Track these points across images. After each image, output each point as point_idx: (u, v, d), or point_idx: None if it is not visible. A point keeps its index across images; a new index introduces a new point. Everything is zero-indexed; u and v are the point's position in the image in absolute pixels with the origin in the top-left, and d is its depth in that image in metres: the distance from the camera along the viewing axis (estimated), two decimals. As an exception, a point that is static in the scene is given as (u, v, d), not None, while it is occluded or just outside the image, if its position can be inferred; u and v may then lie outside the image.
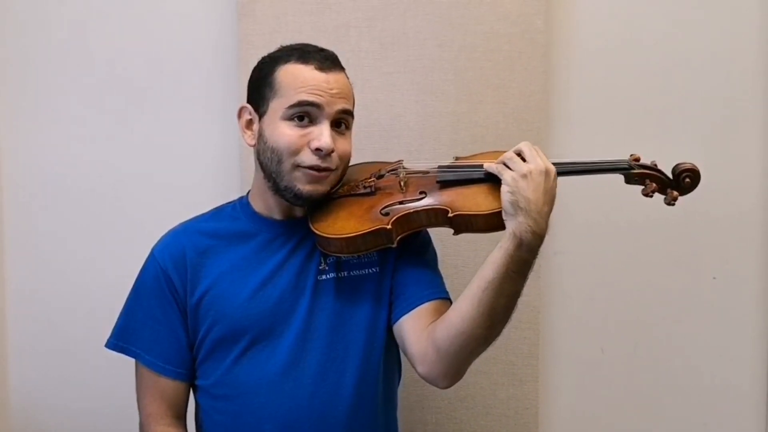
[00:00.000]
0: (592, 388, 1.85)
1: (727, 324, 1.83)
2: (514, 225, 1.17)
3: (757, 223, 1.81)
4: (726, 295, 1.83)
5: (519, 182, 1.18)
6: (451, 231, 1.29)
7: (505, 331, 1.70)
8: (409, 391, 1.72)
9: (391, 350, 1.38)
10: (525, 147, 1.23)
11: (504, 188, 1.20)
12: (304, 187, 1.28)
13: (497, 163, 1.25)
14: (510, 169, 1.21)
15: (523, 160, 1.22)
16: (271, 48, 1.36)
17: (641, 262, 1.82)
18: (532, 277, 1.70)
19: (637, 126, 1.77)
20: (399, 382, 1.47)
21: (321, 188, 1.30)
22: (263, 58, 1.35)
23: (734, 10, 1.79)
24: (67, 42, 1.83)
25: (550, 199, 1.20)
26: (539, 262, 1.71)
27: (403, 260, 1.37)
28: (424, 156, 1.66)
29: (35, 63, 1.84)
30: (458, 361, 1.24)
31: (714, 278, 1.82)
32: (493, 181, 1.25)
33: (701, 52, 1.79)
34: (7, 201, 1.87)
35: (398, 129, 1.74)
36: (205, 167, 1.82)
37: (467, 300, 1.20)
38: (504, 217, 1.20)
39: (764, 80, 1.79)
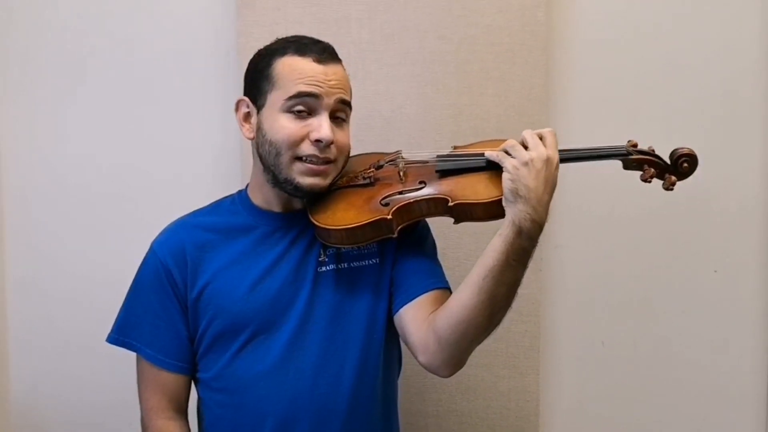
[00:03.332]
0: (593, 381, 1.85)
1: (727, 317, 1.82)
2: (513, 213, 1.17)
3: (758, 216, 1.81)
4: (727, 288, 1.82)
5: (520, 170, 1.18)
6: (452, 220, 1.29)
7: (507, 323, 1.70)
8: (409, 383, 1.73)
9: (391, 341, 1.38)
10: (528, 135, 1.22)
11: (505, 176, 1.19)
12: (305, 181, 1.28)
13: (499, 150, 1.24)
14: (512, 156, 1.21)
15: (526, 148, 1.21)
16: (271, 41, 1.35)
17: (642, 256, 1.82)
18: (533, 270, 1.72)
19: (638, 118, 1.77)
20: (399, 373, 1.47)
21: (322, 182, 1.30)
22: (260, 51, 1.35)
23: (736, 3, 1.78)
24: (67, 36, 1.83)
25: (550, 187, 1.19)
26: (540, 255, 1.74)
27: (402, 251, 1.37)
28: (425, 148, 1.66)
29: (34, 57, 1.84)
30: (459, 350, 1.24)
31: (715, 271, 1.82)
32: (492, 169, 1.24)
33: (702, 44, 1.78)
34: (7, 196, 1.87)
35: (399, 121, 1.74)
36: (205, 160, 1.82)
37: (467, 288, 1.20)
38: (504, 205, 1.19)
39: (765, 72, 1.78)
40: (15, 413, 1.92)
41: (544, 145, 1.20)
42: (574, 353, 1.84)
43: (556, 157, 1.20)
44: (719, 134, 1.79)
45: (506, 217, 1.18)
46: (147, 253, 1.37)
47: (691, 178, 1.29)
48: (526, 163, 1.18)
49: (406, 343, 1.33)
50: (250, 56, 1.36)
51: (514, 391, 1.77)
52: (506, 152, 1.22)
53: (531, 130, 1.23)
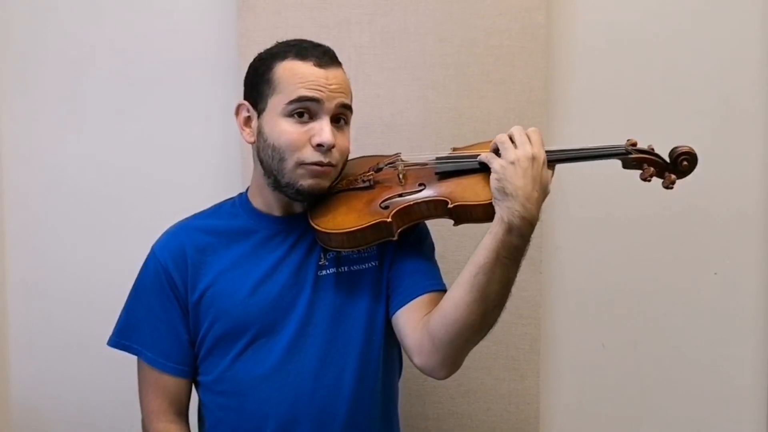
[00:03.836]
0: (593, 383, 1.85)
1: (727, 319, 1.82)
2: (502, 210, 1.18)
3: (758, 219, 1.81)
4: (727, 290, 1.82)
5: (507, 169, 1.19)
6: (452, 222, 1.29)
7: (506, 326, 1.70)
8: (410, 385, 1.73)
9: (390, 344, 1.38)
10: (516, 132, 1.23)
11: (493, 175, 1.20)
12: (306, 182, 1.28)
13: (489, 149, 1.25)
14: (499, 156, 1.22)
15: (513, 143, 1.22)
16: (272, 44, 1.35)
17: (642, 258, 1.82)
18: (533, 272, 1.72)
19: (638, 121, 1.77)
20: (400, 376, 1.47)
21: (323, 183, 1.30)
22: (260, 55, 1.35)
23: (736, 6, 1.78)
24: (68, 38, 1.83)
25: (539, 185, 1.20)
26: (540, 257, 1.74)
27: (400, 252, 1.37)
28: (426, 151, 1.66)
29: (36, 59, 1.84)
30: (454, 350, 1.23)
31: (715, 274, 1.82)
32: (490, 170, 1.24)
33: (703, 47, 1.78)
34: (8, 197, 1.88)
35: (400, 124, 1.74)
36: (206, 163, 1.83)
37: (460, 287, 1.20)
38: (494, 203, 1.20)
39: (765, 76, 1.78)
40: (16, 414, 1.92)
41: (530, 143, 1.21)
42: (574, 355, 1.84)
43: (542, 155, 1.21)
44: (719, 137, 1.79)
45: (496, 214, 1.19)
46: (147, 257, 1.37)
47: (690, 180, 1.29)
48: (512, 162, 1.19)
49: (403, 346, 1.33)
50: (251, 60, 1.36)
51: (514, 394, 1.77)
52: (495, 152, 1.24)
53: (520, 127, 1.24)
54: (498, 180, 1.19)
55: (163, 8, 1.81)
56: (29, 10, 1.83)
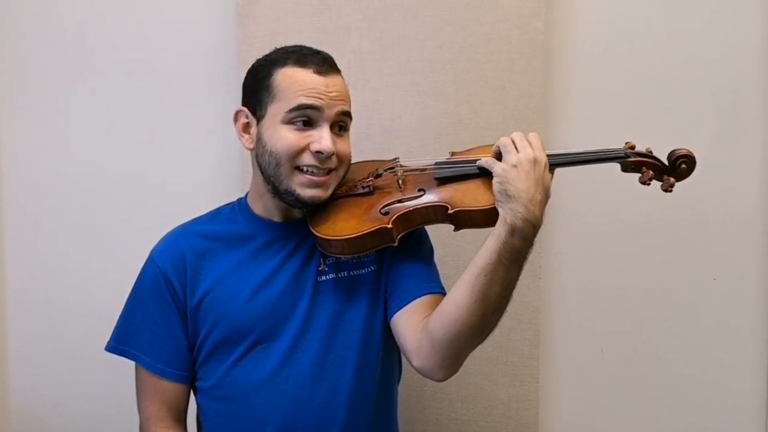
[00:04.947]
0: (592, 389, 1.84)
1: (727, 325, 1.82)
2: (505, 212, 1.18)
3: (758, 224, 1.81)
4: (726, 296, 1.82)
5: (509, 172, 1.19)
6: (452, 227, 1.29)
7: (506, 331, 1.70)
8: (409, 390, 1.73)
9: (389, 348, 1.38)
10: (516, 137, 1.23)
11: (495, 179, 1.21)
12: (305, 192, 1.29)
13: (492, 153, 1.26)
14: (501, 160, 1.22)
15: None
16: (272, 50, 1.35)
17: (642, 263, 1.81)
18: (532, 277, 1.72)
19: (637, 127, 1.76)
20: (399, 381, 1.47)
21: (323, 193, 1.31)
22: (258, 61, 1.35)
23: (734, 11, 1.78)
24: (68, 43, 1.84)
25: (542, 187, 1.20)
26: (540, 263, 1.74)
27: (398, 256, 1.37)
28: (425, 157, 1.67)
29: (36, 63, 1.85)
30: (453, 352, 1.23)
31: (714, 279, 1.82)
32: (489, 175, 1.24)
33: (701, 52, 1.78)
34: (7, 202, 1.88)
35: (399, 130, 1.74)
36: (205, 168, 1.83)
37: (461, 288, 1.20)
38: (497, 206, 1.20)
39: (764, 81, 1.78)
40: (15, 420, 1.91)
41: (531, 147, 1.21)
42: (574, 361, 1.84)
43: (543, 157, 1.21)
44: (719, 142, 1.79)
45: (499, 216, 1.19)
46: (146, 262, 1.37)
47: (690, 184, 1.29)
48: (515, 165, 1.19)
49: (401, 348, 1.33)
50: (251, 65, 1.36)
51: (513, 399, 1.77)
52: (497, 155, 1.24)
53: (520, 133, 1.24)
54: (500, 183, 1.19)
55: (163, 13, 1.82)
56: (30, 13, 1.84)
